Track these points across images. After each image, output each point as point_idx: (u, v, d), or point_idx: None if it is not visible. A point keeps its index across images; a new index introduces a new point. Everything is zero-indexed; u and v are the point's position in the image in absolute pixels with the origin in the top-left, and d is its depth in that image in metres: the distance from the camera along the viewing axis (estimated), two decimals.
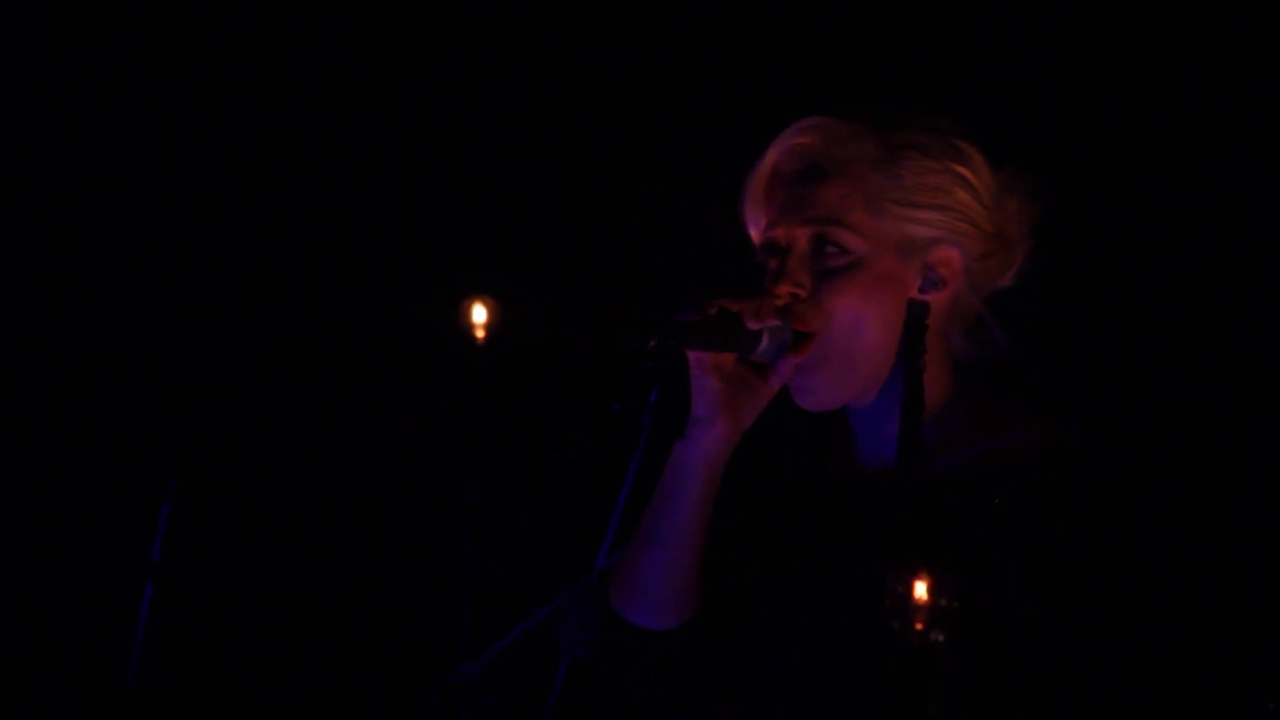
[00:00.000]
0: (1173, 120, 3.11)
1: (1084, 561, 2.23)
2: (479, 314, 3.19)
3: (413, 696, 3.54)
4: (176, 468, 3.26)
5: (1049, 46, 3.19)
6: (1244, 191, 3.07)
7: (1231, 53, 3.07)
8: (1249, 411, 3.06)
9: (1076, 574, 2.23)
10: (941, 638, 1.82)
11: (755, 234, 2.37)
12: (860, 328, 2.29)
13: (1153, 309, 3.11)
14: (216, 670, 3.66)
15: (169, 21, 3.69)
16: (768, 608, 2.34)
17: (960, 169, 2.32)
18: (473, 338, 3.19)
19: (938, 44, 3.26)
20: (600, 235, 3.55)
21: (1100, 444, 2.27)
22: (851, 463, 2.38)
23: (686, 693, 2.36)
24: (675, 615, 2.35)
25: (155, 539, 3.22)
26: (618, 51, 3.53)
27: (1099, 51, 3.16)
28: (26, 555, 3.70)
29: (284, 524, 3.66)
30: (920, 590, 1.83)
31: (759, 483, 2.41)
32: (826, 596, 2.30)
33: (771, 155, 2.35)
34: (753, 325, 2.24)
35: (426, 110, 3.64)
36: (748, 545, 2.37)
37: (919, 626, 1.82)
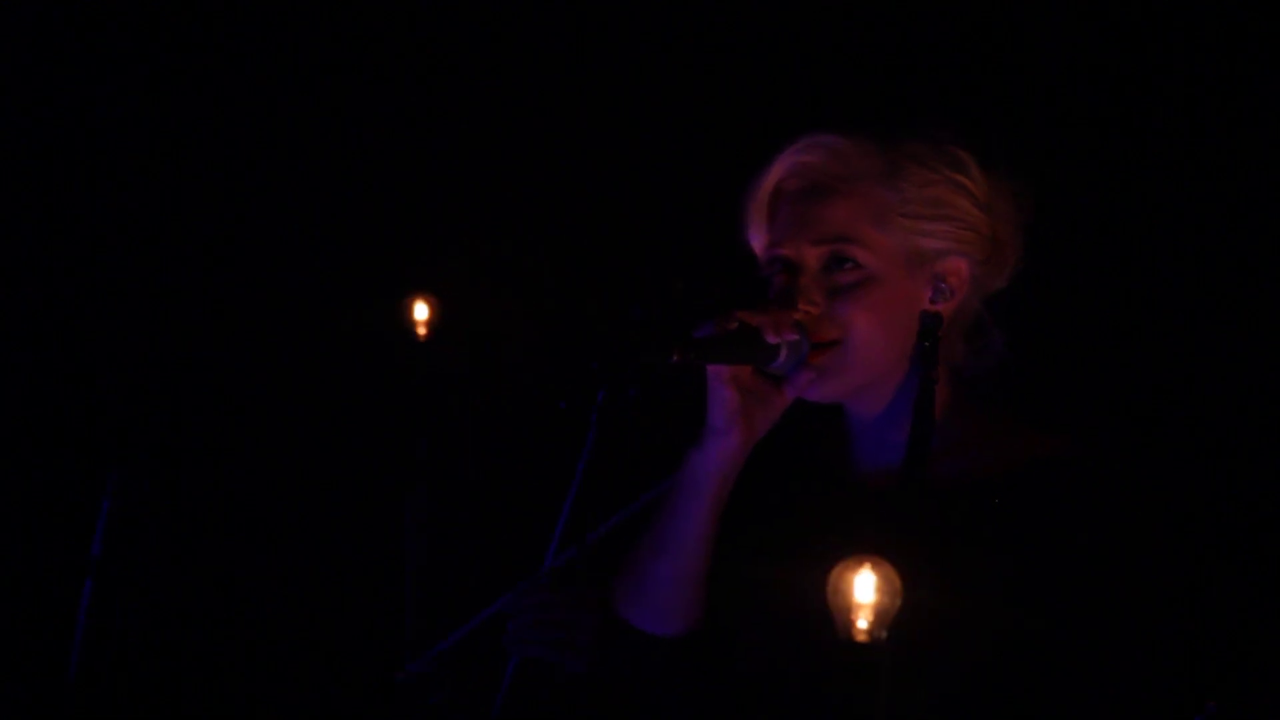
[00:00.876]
0: (1172, 117, 3.12)
1: (1090, 567, 2.26)
2: (420, 311, 3.20)
3: (357, 694, 3.54)
4: (117, 463, 3.25)
5: (1039, 41, 3.20)
6: (1242, 193, 3.09)
7: (1229, 51, 3.09)
8: (1245, 415, 3.08)
9: (1082, 580, 2.26)
10: (884, 636, 1.85)
11: (758, 249, 2.40)
12: (876, 341, 2.33)
13: (1145, 309, 3.13)
14: (158, 667, 3.65)
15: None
16: (773, 613, 2.36)
17: (960, 178, 2.36)
18: (414, 335, 3.19)
19: (926, 42, 3.27)
20: (547, 232, 3.55)
21: (1099, 451, 2.30)
22: (853, 469, 2.41)
23: (692, 698, 2.39)
24: (682, 621, 2.38)
25: (95, 534, 3.21)
26: (569, 49, 3.53)
27: (1093, 49, 3.18)
28: None
29: (226, 521, 3.65)
30: (863, 589, 1.85)
31: (764, 489, 2.44)
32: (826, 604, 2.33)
33: (775, 173, 2.38)
34: (772, 339, 2.27)
35: (372, 107, 3.64)
36: (753, 551, 2.40)
37: (862, 626, 1.85)
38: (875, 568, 1.90)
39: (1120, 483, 2.30)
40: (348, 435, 3.61)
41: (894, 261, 2.34)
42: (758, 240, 2.40)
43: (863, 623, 1.88)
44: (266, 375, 3.63)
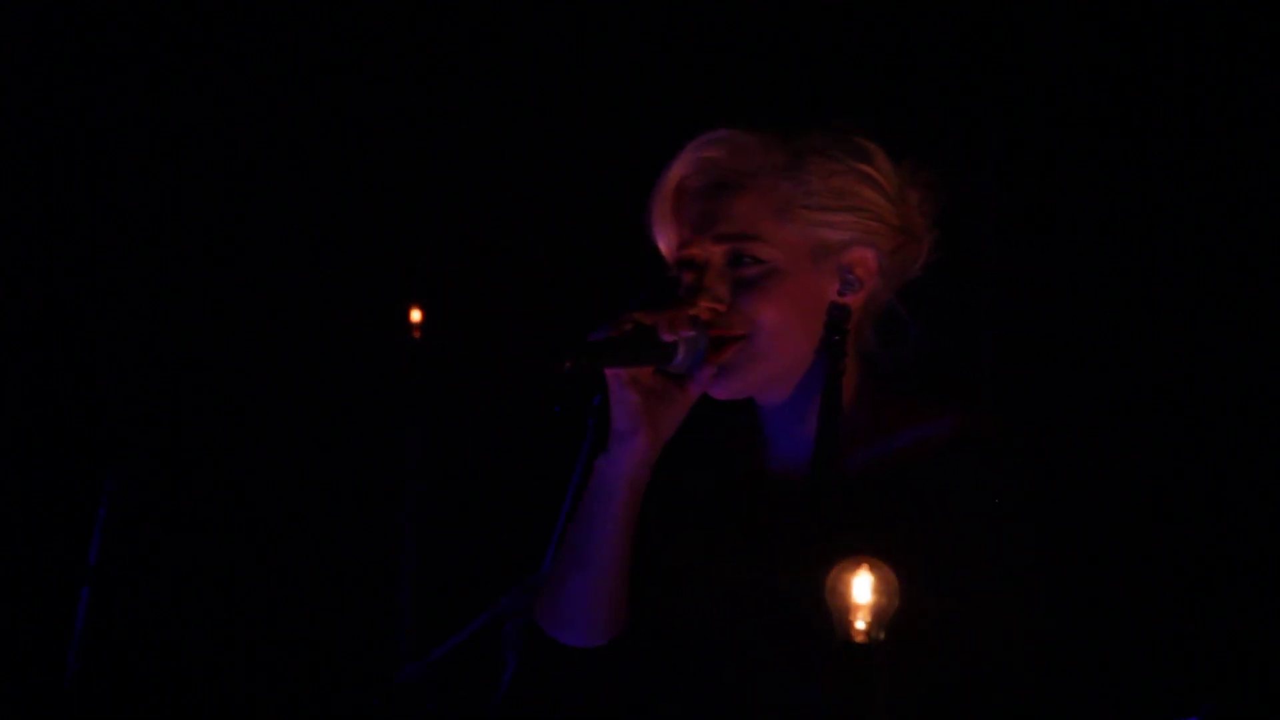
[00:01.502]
0: (1109, 97, 3.14)
1: (1003, 550, 2.25)
2: (415, 316, 3.20)
3: (354, 698, 3.54)
4: (112, 469, 3.25)
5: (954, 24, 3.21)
6: (1140, 164, 3.10)
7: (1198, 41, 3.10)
8: (1157, 396, 3.10)
9: (996, 562, 2.25)
10: (883, 636, 1.84)
11: (666, 249, 2.37)
12: (783, 335, 2.30)
13: (1057, 295, 3.14)
14: (154, 673, 3.64)
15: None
16: (695, 615, 2.34)
17: (864, 167, 2.32)
18: (410, 339, 3.19)
19: (837, 36, 3.28)
20: (539, 239, 3.56)
21: (1008, 431, 2.29)
22: (764, 463, 2.39)
23: (621, 708, 2.37)
24: (604, 632, 2.35)
25: (92, 541, 3.20)
26: (548, 64, 3.54)
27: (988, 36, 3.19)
28: None
29: (223, 526, 3.65)
30: (861, 589, 1.85)
31: (677, 491, 2.42)
32: (753, 599, 2.31)
33: (676, 170, 2.35)
34: (668, 337, 2.25)
35: (370, 110, 3.64)
36: (671, 555, 2.38)
37: (860, 626, 1.84)
38: (873, 568, 1.89)
39: (1024, 460, 2.29)
40: (343, 438, 3.61)
41: (798, 254, 2.31)
42: (664, 240, 2.38)
43: (861, 623, 1.87)
44: (263, 378, 3.63)
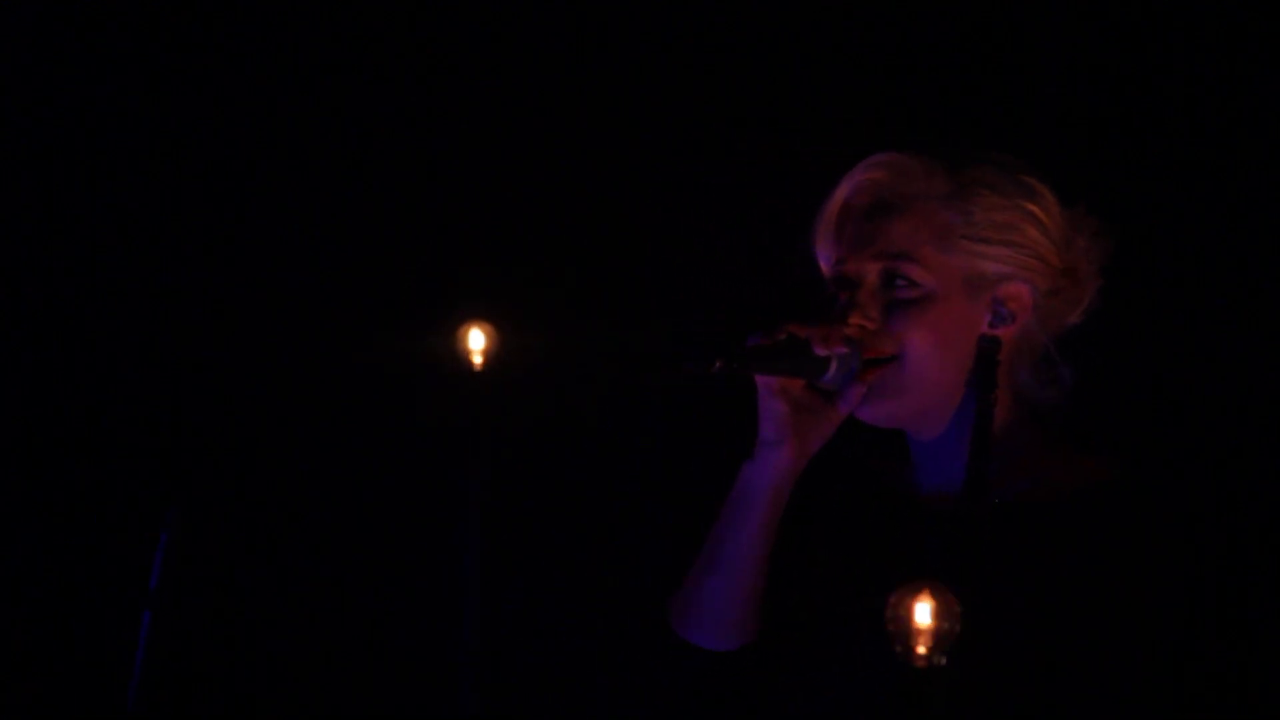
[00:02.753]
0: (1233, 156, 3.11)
1: (1143, 593, 2.25)
2: (476, 340, 3.19)
3: None
4: (175, 496, 3.26)
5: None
6: None
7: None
8: None
9: (1136, 606, 2.24)
10: (943, 661, 1.83)
11: (825, 267, 2.41)
12: (929, 360, 2.33)
13: (1211, 345, 3.11)
14: (215, 700, 3.65)
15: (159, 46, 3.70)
16: (829, 631, 2.35)
17: (1030, 206, 2.36)
18: (470, 364, 3.18)
19: (1005, 84, 3.27)
20: (602, 260, 3.55)
21: (1156, 478, 2.29)
22: (913, 491, 2.40)
23: (748, 715, 2.38)
24: (737, 638, 2.39)
25: (153, 567, 3.21)
26: (625, 74, 3.54)
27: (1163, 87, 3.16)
28: (24, 584, 3.69)
29: (283, 554, 3.66)
30: (922, 614, 1.83)
31: (821, 507, 2.43)
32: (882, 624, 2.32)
33: (842, 190, 2.40)
34: (821, 351, 2.27)
35: (427, 133, 3.64)
36: (810, 569, 2.39)
37: (920, 650, 1.83)
38: (934, 592, 1.88)
39: (1178, 509, 2.29)
40: (402, 469, 3.61)
41: (952, 282, 2.35)
42: (825, 257, 2.41)
43: (922, 648, 1.86)
44: (322, 407, 3.64)
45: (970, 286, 2.36)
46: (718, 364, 2.24)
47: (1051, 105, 3.21)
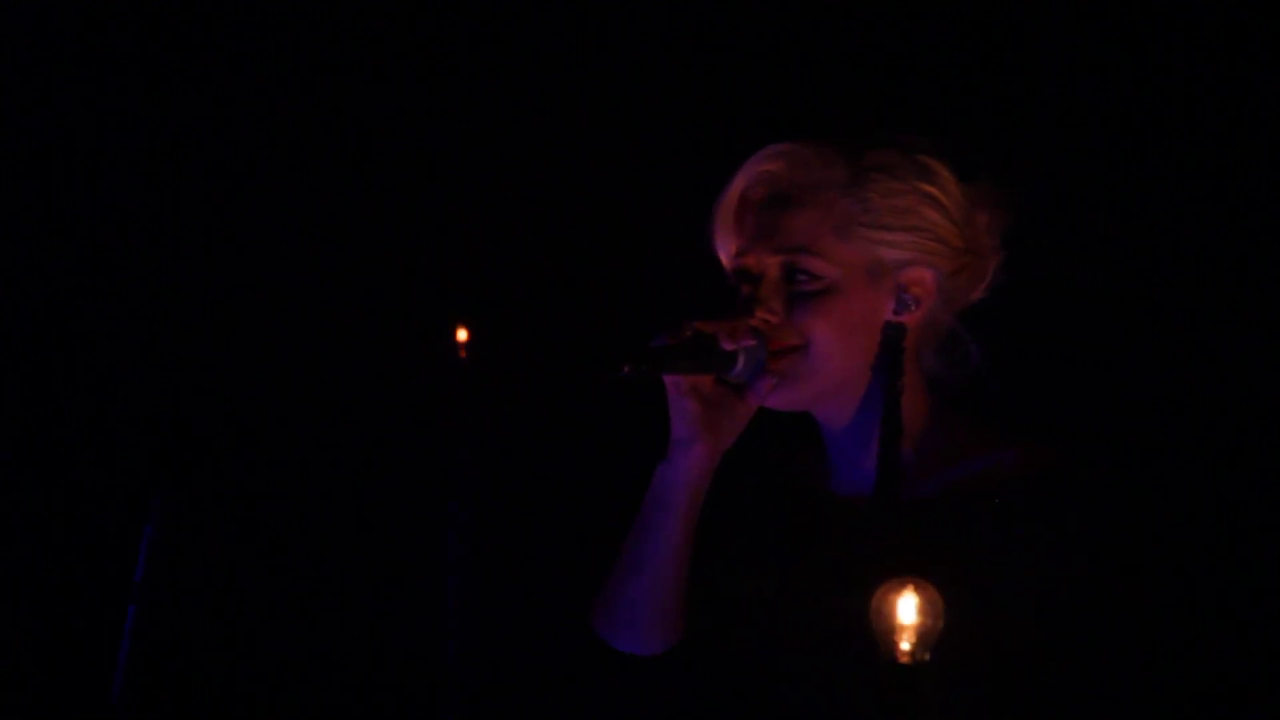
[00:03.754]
0: (1155, 119, 3.11)
1: (1080, 578, 2.24)
2: (461, 335, 3.20)
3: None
4: (159, 487, 3.25)
5: (1024, 44, 3.19)
6: (1222, 191, 3.07)
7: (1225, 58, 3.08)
8: (1223, 422, 3.07)
9: (1072, 591, 2.24)
10: (928, 657, 1.83)
11: (725, 259, 2.39)
12: (835, 349, 2.31)
13: (1120, 317, 3.12)
14: (201, 697, 3.64)
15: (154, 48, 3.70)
16: (750, 632, 2.34)
17: (928, 187, 2.33)
18: (456, 358, 3.19)
19: (901, 52, 3.27)
20: (586, 255, 3.55)
21: (1080, 461, 2.28)
22: (827, 484, 2.39)
23: (675, 717, 2.37)
24: (661, 640, 2.36)
25: (138, 560, 3.21)
26: (597, 75, 3.54)
27: (1083, 51, 3.16)
28: (5, 578, 3.69)
29: (269, 546, 3.66)
30: (906, 610, 1.84)
31: (737, 505, 2.41)
32: (808, 620, 2.31)
33: (739, 182, 2.37)
34: (728, 346, 2.25)
35: (417, 127, 3.65)
36: (728, 569, 2.37)
37: (905, 646, 1.83)
38: (919, 589, 1.88)
39: (1102, 491, 2.28)
40: (390, 461, 3.61)
41: (855, 272, 2.32)
42: (724, 249, 2.39)
43: (906, 644, 1.86)
44: (308, 400, 3.64)
45: (872, 275, 2.34)
46: (626, 368, 2.22)
47: (1027, 102, 3.22)
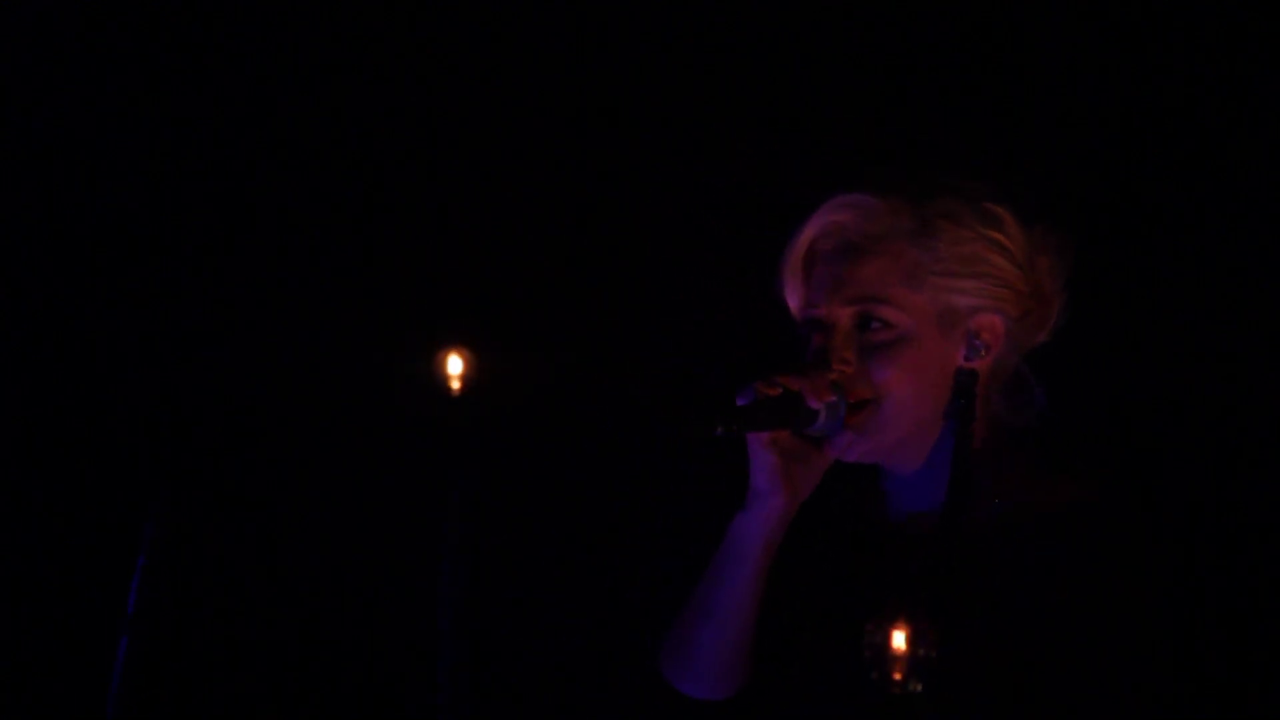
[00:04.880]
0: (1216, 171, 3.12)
1: (1121, 613, 2.26)
2: (454, 365, 3.20)
3: None
4: (152, 516, 3.25)
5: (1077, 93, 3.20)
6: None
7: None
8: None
9: (1114, 625, 2.25)
10: (920, 688, 1.83)
11: (795, 310, 2.42)
12: (909, 400, 2.35)
13: (1184, 361, 3.12)
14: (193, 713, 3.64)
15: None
16: (819, 671, 2.36)
17: (994, 234, 2.37)
18: (448, 390, 3.19)
19: (964, 100, 3.28)
20: (580, 287, 3.56)
21: (1131, 497, 2.30)
22: (889, 521, 2.41)
23: None
24: (729, 685, 2.39)
25: (130, 590, 3.20)
26: (603, 106, 3.55)
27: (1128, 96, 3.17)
28: None
29: (262, 577, 3.65)
30: (898, 640, 1.84)
31: (806, 552, 2.44)
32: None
33: (808, 232, 2.41)
34: (814, 404, 2.28)
35: (413, 156, 3.65)
36: (800, 613, 2.39)
37: (897, 676, 1.83)
38: (910, 619, 1.88)
39: (1153, 528, 2.30)
40: (382, 492, 3.61)
41: (926, 320, 2.36)
42: (793, 301, 2.42)
43: (898, 675, 1.87)
44: (301, 430, 3.64)
45: (943, 322, 2.37)
46: (719, 429, 2.26)
47: (1037, 114, 3.22)
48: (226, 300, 3.66)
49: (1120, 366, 3.14)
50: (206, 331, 3.66)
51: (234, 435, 3.66)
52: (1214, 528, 3.08)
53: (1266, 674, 3.02)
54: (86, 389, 3.68)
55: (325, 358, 3.64)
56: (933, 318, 2.37)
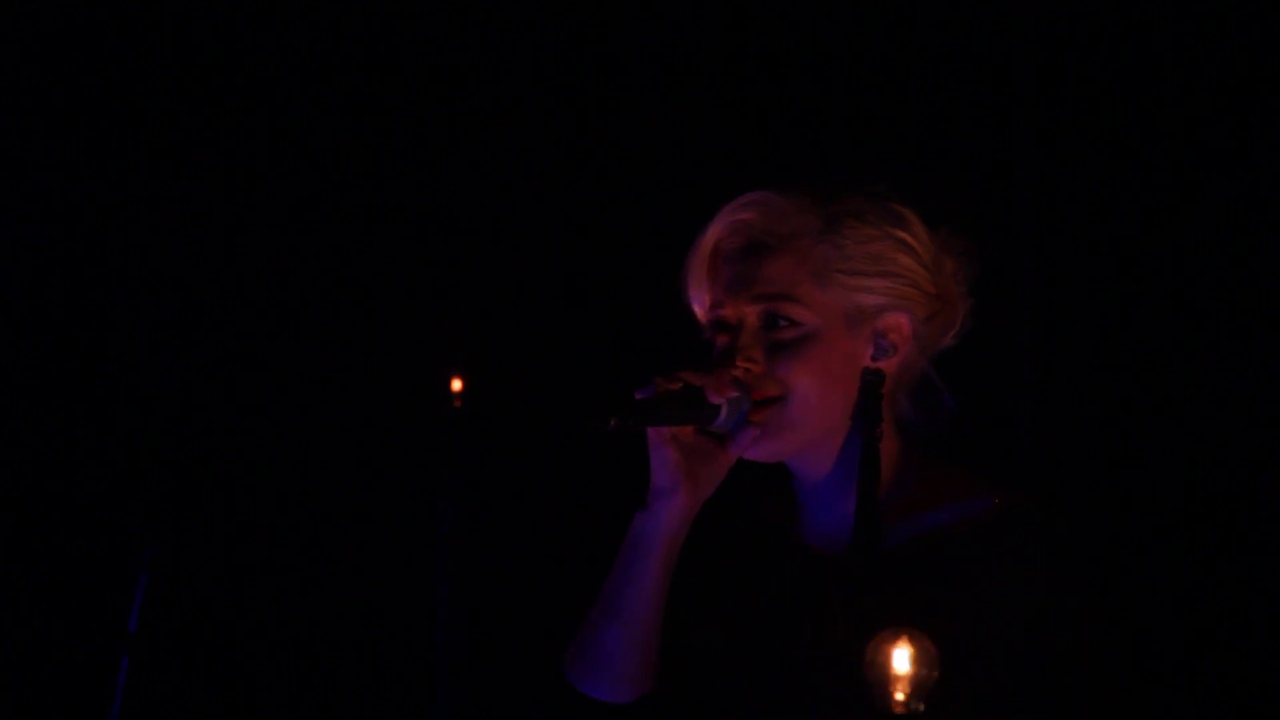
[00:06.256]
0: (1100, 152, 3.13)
1: (1045, 629, 2.25)
2: (456, 385, 3.21)
3: None
4: (152, 537, 3.25)
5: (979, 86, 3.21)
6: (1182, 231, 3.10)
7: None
8: (1198, 466, 3.08)
9: (1037, 641, 2.24)
10: (922, 708, 1.83)
11: (700, 311, 2.38)
12: (816, 398, 2.31)
13: (1096, 364, 3.14)
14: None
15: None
16: (725, 684, 2.34)
17: (900, 233, 2.33)
18: (450, 408, 3.20)
19: (865, 101, 3.29)
20: (582, 306, 3.56)
21: (1049, 508, 2.29)
22: (801, 535, 2.38)
23: None
24: (634, 689, 2.35)
25: (132, 610, 3.21)
26: (581, 130, 3.56)
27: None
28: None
29: (262, 595, 3.65)
30: (900, 660, 1.84)
31: (712, 554, 2.41)
32: (786, 671, 2.31)
33: (713, 232, 2.36)
34: (714, 399, 2.25)
35: (414, 178, 3.66)
36: (703, 620, 2.37)
37: (900, 697, 1.83)
38: (912, 640, 1.88)
39: (1070, 536, 2.28)
40: (383, 509, 3.61)
41: (833, 318, 2.31)
42: (699, 301, 2.38)
43: (900, 695, 1.86)
44: (303, 449, 3.64)
45: (850, 321, 2.33)
46: (613, 422, 2.22)
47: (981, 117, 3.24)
48: (229, 323, 3.66)
49: (1021, 370, 3.15)
50: (208, 355, 3.67)
51: (234, 455, 3.66)
52: (1125, 534, 3.09)
53: (1194, 676, 3.03)
54: (89, 409, 3.68)
55: (327, 378, 3.64)
56: (840, 316, 2.33)
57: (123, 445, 3.67)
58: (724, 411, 2.27)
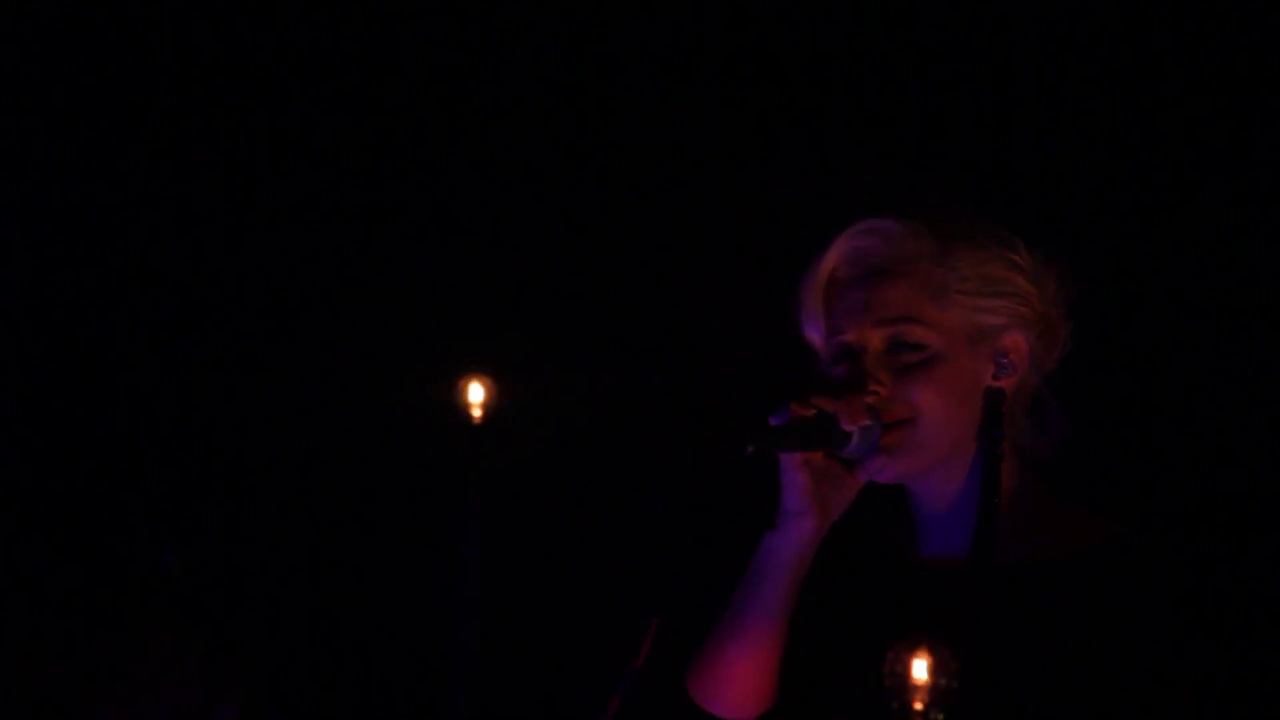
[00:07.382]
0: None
1: (1160, 653, 2.25)
2: (476, 393, 3.19)
3: None
4: (169, 549, 3.25)
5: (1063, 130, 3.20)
6: None
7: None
8: None
9: (1152, 666, 2.24)
10: (940, 718, 1.82)
11: (816, 338, 2.42)
12: (944, 419, 2.35)
13: (1198, 386, 3.11)
14: None
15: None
16: (844, 699, 2.35)
17: (1011, 255, 2.40)
18: (469, 417, 3.18)
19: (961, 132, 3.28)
20: (602, 313, 3.56)
21: (1161, 535, 2.29)
22: (921, 553, 2.41)
23: None
24: (756, 707, 2.39)
25: None
26: (626, 131, 3.55)
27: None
28: (19, 637, 3.68)
29: (279, 609, 3.65)
30: (919, 670, 1.83)
31: (833, 575, 2.44)
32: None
33: (829, 260, 2.41)
34: (848, 427, 2.28)
35: (431, 182, 3.66)
36: (823, 637, 2.39)
37: (918, 707, 1.82)
38: (932, 649, 1.87)
39: (1186, 565, 2.29)
40: (400, 525, 3.60)
41: (956, 339, 2.36)
42: (815, 330, 2.42)
43: (919, 704, 1.85)
44: (319, 460, 3.63)
45: (972, 341, 2.38)
46: (750, 448, 2.27)
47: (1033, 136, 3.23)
48: (244, 333, 3.66)
49: (1132, 391, 3.13)
50: (224, 365, 3.66)
51: (252, 464, 3.66)
52: (1243, 570, 3.05)
53: None
54: (104, 420, 3.68)
55: (346, 386, 3.64)
56: (962, 337, 2.39)
57: (144, 453, 3.68)
58: (856, 438, 2.32)
